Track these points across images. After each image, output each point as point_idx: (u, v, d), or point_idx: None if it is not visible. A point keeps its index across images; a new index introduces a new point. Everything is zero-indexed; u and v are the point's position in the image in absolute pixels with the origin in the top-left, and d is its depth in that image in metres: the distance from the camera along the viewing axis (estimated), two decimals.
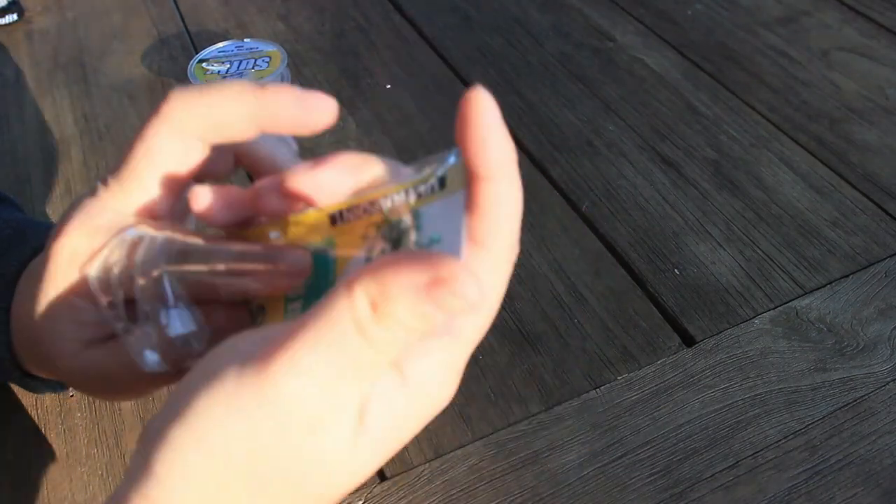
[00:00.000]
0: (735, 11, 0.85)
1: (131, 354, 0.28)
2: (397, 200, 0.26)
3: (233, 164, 0.32)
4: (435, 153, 0.26)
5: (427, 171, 0.26)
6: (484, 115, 0.23)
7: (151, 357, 0.27)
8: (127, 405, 0.48)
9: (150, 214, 0.30)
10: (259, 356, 0.22)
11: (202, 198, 0.28)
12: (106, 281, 0.28)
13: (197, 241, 0.28)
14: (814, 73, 0.75)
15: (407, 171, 0.26)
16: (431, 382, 0.25)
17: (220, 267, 0.27)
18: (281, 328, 0.23)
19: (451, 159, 0.25)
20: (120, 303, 0.28)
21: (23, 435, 0.47)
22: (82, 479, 0.45)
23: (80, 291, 0.29)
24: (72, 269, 0.29)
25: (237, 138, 0.29)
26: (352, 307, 0.21)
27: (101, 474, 0.45)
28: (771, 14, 0.84)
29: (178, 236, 0.28)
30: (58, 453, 0.46)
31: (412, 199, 0.26)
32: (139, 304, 0.27)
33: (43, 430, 0.47)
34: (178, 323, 0.27)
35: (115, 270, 0.28)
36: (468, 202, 0.24)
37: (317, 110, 0.28)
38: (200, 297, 0.28)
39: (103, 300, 0.28)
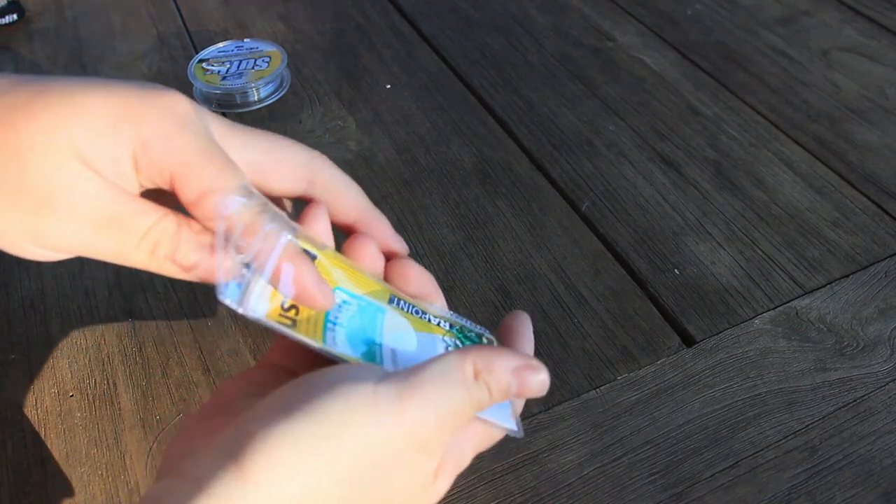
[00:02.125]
0: (735, 11, 0.85)
1: (217, 276, 0.28)
2: (443, 325, 0.34)
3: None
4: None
5: (469, 325, 0.35)
6: (529, 325, 0.34)
7: (235, 291, 0.28)
8: (127, 405, 0.48)
9: None
10: (395, 380, 0.26)
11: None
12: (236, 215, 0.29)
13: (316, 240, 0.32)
14: (814, 73, 0.75)
15: (444, 308, 0.35)
16: (476, 443, 0.31)
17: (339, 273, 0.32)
18: (410, 374, 0.27)
19: (487, 333, 0.35)
20: (234, 232, 0.29)
21: (23, 435, 0.47)
22: (82, 479, 0.45)
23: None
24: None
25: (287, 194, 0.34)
26: (463, 368, 0.27)
27: (101, 474, 0.45)
28: (771, 14, 0.84)
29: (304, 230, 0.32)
30: (58, 453, 0.46)
31: (456, 332, 0.34)
32: (250, 248, 0.29)
33: (43, 430, 0.47)
34: (285, 284, 0.29)
35: (247, 215, 0.29)
36: None
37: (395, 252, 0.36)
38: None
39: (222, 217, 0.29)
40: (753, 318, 0.52)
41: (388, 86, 0.76)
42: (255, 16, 0.88)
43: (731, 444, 0.45)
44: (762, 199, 0.61)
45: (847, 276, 0.54)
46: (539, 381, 0.28)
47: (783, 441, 0.45)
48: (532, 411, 0.47)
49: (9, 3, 0.87)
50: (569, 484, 0.43)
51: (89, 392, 0.49)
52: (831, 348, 0.50)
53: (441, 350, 0.32)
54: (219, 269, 0.28)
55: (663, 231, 0.59)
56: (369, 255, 0.33)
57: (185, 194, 0.28)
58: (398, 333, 0.32)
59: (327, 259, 0.31)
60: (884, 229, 0.58)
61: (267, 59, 0.75)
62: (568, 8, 0.87)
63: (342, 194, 0.33)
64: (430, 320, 0.33)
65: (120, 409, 0.48)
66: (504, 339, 0.33)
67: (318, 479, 0.24)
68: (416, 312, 0.33)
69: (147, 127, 0.28)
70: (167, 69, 0.79)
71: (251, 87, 0.73)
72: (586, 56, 0.79)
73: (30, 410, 0.48)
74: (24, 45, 0.85)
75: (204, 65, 0.74)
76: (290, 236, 0.30)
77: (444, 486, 0.29)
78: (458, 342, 0.33)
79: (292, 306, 0.30)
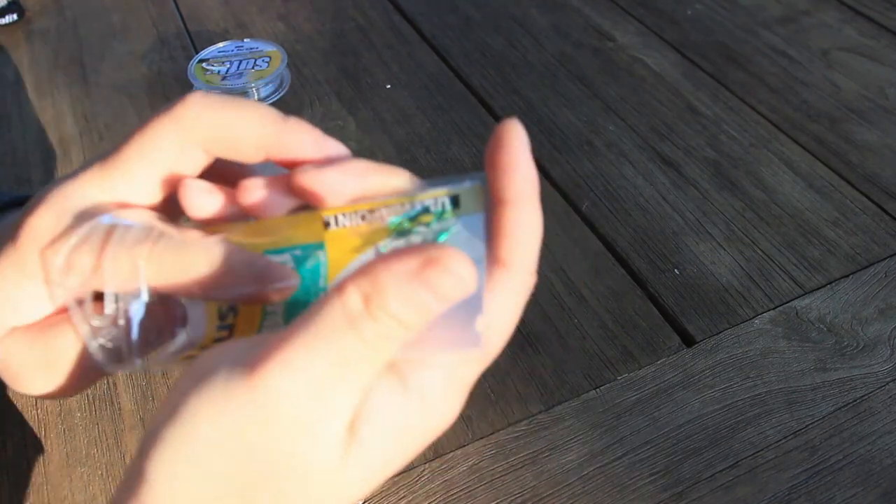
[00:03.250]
0: (735, 11, 0.85)
1: (86, 344, 0.25)
2: (402, 210, 0.25)
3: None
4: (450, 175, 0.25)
5: (439, 189, 0.25)
6: (515, 143, 0.23)
7: (104, 349, 0.25)
8: (127, 405, 0.48)
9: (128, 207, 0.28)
10: (249, 358, 0.22)
11: (256, 192, 0.26)
12: (70, 267, 0.25)
13: (176, 234, 0.26)
14: (814, 73, 0.75)
15: (417, 185, 0.26)
16: (435, 396, 0.23)
17: (202, 270, 0.25)
18: (273, 335, 0.22)
19: (467, 183, 0.25)
20: (84, 291, 0.25)
21: (23, 435, 0.47)
22: (82, 479, 0.45)
23: (33, 274, 0.26)
24: (32, 248, 0.26)
25: (242, 159, 0.27)
26: (343, 304, 0.21)
27: (101, 474, 0.45)
28: (771, 14, 0.84)
29: (158, 226, 0.26)
30: (58, 453, 0.46)
31: (418, 209, 0.25)
32: (106, 294, 0.25)
33: (43, 430, 0.47)
34: (146, 317, 0.25)
35: (84, 257, 0.25)
36: (489, 225, 0.24)
37: (332, 156, 0.27)
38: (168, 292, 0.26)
39: (63, 286, 0.25)
40: (753, 318, 0.52)
41: (388, 86, 0.76)
42: (255, 16, 0.88)
43: (731, 444, 0.45)
44: (762, 199, 0.61)
45: (847, 276, 0.54)
46: (452, 278, 0.20)
47: (783, 441, 0.45)
48: (532, 411, 0.47)
49: (9, 3, 0.87)
50: (569, 484, 0.43)
51: (89, 392, 0.49)
52: (831, 348, 0.50)
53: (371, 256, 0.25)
54: (83, 335, 0.25)
55: (663, 231, 0.59)
56: (266, 201, 0.26)
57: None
58: (339, 275, 0.25)
59: (236, 233, 0.27)
60: (884, 229, 0.58)
61: (267, 59, 0.75)
62: (568, 8, 0.87)
63: (232, 132, 0.26)
64: (382, 218, 0.25)
65: (120, 409, 0.48)
66: (490, 178, 0.24)
67: (197, 490, 0.22)
68: (364, 217, 0.26)
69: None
70: (167, 69, 0.79)
71: (251, 87, 0.73)
72: (586, 56, 0.79)
73: (30, 410, 0.48)
74: (24, 45, 0.85)
75: (204, 65, 0.74)
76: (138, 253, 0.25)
77: (371, 445, 0.22)
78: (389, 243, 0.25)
79: (229, 310, 0.26)
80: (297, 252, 0.26)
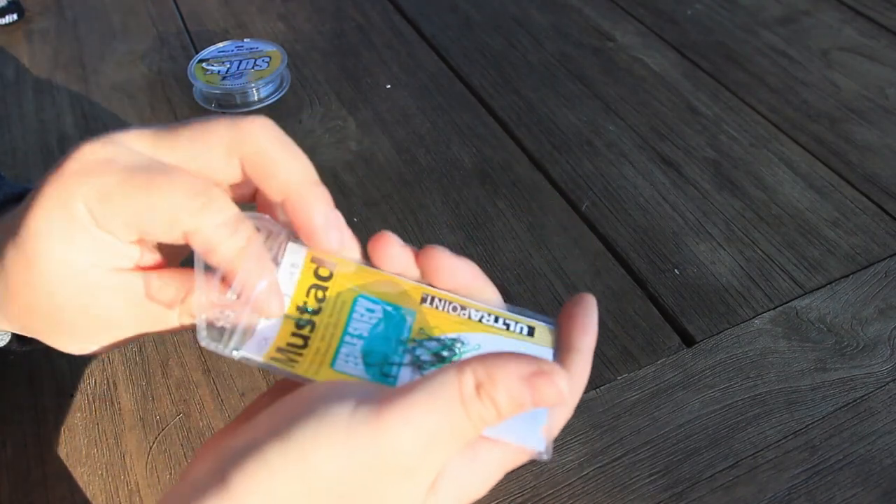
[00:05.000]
0: (735, 11, 0.85)
1: (196, 318, 0.27)
2: (487, 317, 0.30)
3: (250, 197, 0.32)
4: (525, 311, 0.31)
5: (519, 316, 0.31)
6: (593, 311, 0.30)
7: (212, 331, 0.27)
8: (127, 405, 0.48)
9: None
10: (375, 401, 0.24)
11: (436, 261, 0.30)
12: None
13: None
14: (814, 73, 0.75)
15: (499, 303, 0.31)
16: (493, 468, 0.27)
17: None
18: (391, 388, 0.25)
19: (544, 322, 0.31)
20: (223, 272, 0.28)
21: (23, 435, 0.47)
22: (82, 479, 0.45)
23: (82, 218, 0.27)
24: (76, 175, 0.27)
25: (272, 198, 0.29)
26: (460, 382, 0.24)
27: (101, 474, 0.45)
28: (771, 14, 0.84)
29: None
30: (58, 453, 0.46)
31: (500, 325, 0.30)
32: (238, 280, 0.27)
33: (43, 430, 0.47)
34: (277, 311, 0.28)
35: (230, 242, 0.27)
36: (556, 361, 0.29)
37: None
38: None
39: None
40: (753, 318, 0.52)
41: (388, 86, 0.76)
42: (255, 16, 0.88)
43: (731, 444, 0.45)
44: (762, 199, 0.61)
45: (847, 276, 0.54)
46: (554, 390, 0.24)
47: (783, 441, 0.45)
48: None
49: (9, 3, 0.87)
50: (569, 484, 0.43)
51: (89, 392, 0.49)
52: (831, 348, 0.50)
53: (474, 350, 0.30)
54: (195, 307, 0.27)
55: (663, 231, 0.59)
56: (389, 256, 0.30)
57: (168, 235, 0.27)
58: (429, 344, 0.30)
59: (346, 270, 0.30)
60: (884, 229, 0.58)
61: (267, 59, 0.75)
62: (568, 8, 0.87)
63: (270, 167, 0.29)
64: (470, 316, 0.30)
65: (120, 409, 0.48)
66: (562, 328, 0.30)
67: (292, 501, 0.23)
68: (455, 309, 0.30)
69: (80, 194, 0.27)
70: (167, 69, 0.79)
71: (251, 87, 0.73)
72: (586, 56, 0.79)
73: (30, 410, 0.48)
74: (24, 45, 0.85)
75: (204, 65, 0.74)
76: (282, 260, 0.29)
77: (441, 501, 0.26)
78: (499, 337, 0.30)
79: (307, 322, 0.29)
80: (389, 308, 0.30)
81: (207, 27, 0.86)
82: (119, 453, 0.46)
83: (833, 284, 0.54)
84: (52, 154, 0.69)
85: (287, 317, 0.29)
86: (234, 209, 0.28)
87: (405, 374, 0.28)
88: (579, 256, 0.57)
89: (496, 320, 0.30)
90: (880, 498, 0.42)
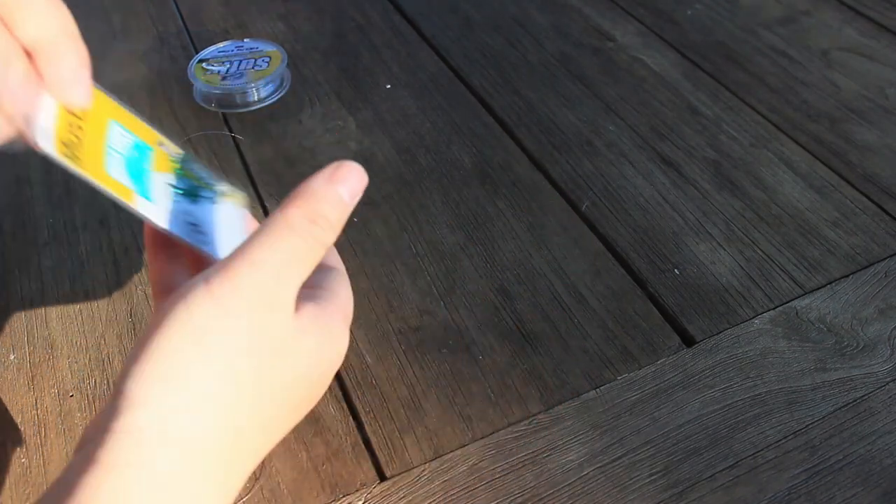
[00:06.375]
0: (735, 11, 0.85)
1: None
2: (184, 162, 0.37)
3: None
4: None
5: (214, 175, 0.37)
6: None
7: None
8: None
9: None
10: (221, 269, 0.28)
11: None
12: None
13: None
14: (814, 73, 0.75)
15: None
16: (336, 296, 0.33)
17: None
18: (227, 258, 0.29)
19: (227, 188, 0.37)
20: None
21: (23, 435, 0.47)
22: None
23: None
24: None
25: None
26: (287, 219, 0.29)
27: None
28: (771, 14, 0.84)
29: None
30: (58, 453, 0.46)
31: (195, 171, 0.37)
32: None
33: (43, 430, 0.47)
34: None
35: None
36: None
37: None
38: None
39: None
40: (753, 318, 0.52)
41: (388, 86, 0.76)
42: (255, 16, 0.88)
43: (731, 444, 0.45)
44: (762, 199, 0.61)
45: (847, 276, 0.54)
46: (355, 173, 0.30)
47: (783, 441, 0.45)
48: (532, 411, 0.47)
49: None
50: (569, 484, 0.43)
51: (89, 392, 0.49)
52: (831, 348, 0.50)
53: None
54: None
55: (663, 231, 0.59)
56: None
57: None
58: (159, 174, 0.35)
59: (99, 97, 0.33)
60: (884, 229, 0.58)
61: (267, 59, 0.75)
62: (568, 8, 0.87)
63: (19, 9, 0.28)
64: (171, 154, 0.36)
65: None
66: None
67: (196, 384, 0.27)
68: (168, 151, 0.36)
69: None
70: (167, 69, 0.79)
71: (251, 87, 0.73)
72: (586, 56, 0.79)
73: (30, 410, 0.48)
74: None
75: (204, 65, 0.74)
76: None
77: (308, 322, 0.30)
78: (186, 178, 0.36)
79: (74, 136, 0.31)
80: (137, 139, 0.35)
81: (207, 27, 0.86)
82: None
83: (833, 284, 0.54)
84: None
85: (62, 110, 0.30)
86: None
87: (160, 192, 0.34)
88: (579, 256, 0.57)
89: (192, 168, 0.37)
90: (880, 498, 0.42)
